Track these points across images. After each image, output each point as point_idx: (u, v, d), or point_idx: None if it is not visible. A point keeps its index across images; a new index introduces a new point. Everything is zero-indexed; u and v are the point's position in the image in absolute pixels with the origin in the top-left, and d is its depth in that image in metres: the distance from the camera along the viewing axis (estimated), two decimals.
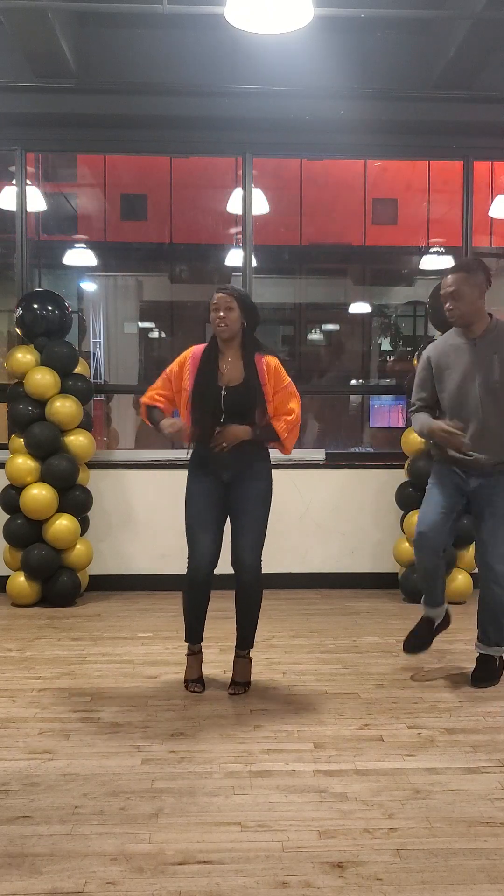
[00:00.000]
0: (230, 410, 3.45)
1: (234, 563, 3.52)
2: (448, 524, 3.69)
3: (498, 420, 3.58)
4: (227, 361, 3.51)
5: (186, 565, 3.56)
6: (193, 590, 3.56)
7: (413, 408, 3.83)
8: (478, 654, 3.79)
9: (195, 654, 3.68)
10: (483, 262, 3.68)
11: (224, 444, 3.42)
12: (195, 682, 3.62)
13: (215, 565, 3.53)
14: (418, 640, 3.83)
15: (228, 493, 3.52)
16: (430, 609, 3.83)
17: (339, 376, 14.58)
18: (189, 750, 3.01)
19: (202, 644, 3.69)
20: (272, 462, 3.64)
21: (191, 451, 3.56)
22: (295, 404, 3.55)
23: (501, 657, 3.79)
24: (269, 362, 3.53)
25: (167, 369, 3.61)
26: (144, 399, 3.62)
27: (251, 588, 3.54)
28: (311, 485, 5.63)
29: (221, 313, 3.46)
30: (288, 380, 3.55)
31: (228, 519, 3.56)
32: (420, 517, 3.74)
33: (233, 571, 3.54)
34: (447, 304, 3.58)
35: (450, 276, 3.59)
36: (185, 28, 5.42)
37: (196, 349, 3.58)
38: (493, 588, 3.64)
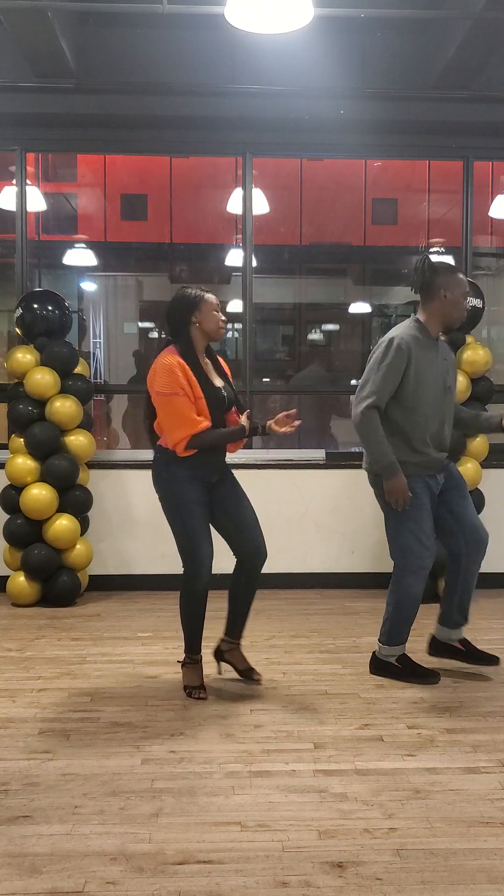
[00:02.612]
0: (224, 411, 3.58)
1: (249, 555, 3.58)
2: None
3: (451, 418, 3.79)
4: (206, 364, 3.57)
5: (186, 575, 3.49)
6: (198, 599, 3.53)
7: (370, 402, 3.57)
8: (460, 639, 3.90)
9: (197, 662, 3.67)
10: None
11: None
12: (199, 688, 3.59)
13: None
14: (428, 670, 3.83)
15: (213, 495, 3.58)
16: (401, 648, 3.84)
17: (339, 376, 14.57)
18: (189, 750, 3.01)
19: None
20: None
21: (168, 456, 3.44)
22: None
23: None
24: (223, 362, 3.67)
25: (178, 388, 3.35)
26: (194, 430, 3.38)
27: (260, 576, 3.65)
28: (311, 485, 5.62)
29: (224, 316, 3.52)
30: None
31: (219, 518, 3.61)
32: (422, 543, 3.66)
33: (232, 572, 3.61)
34: (469, 304, 3.70)
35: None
36: (185, 28, 5.42)
37: (178, 356, 3.42)
38: (480, 556, 3.78)
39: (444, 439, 3.73)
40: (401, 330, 3.65)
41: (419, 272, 3.67)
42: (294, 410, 3.55)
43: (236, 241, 6.84)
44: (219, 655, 3.81)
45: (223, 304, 3.75)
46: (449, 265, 3.76)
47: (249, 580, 3.63)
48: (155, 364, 3.43)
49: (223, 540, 3.62)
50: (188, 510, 3.47)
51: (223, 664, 3.83)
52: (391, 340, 3.58)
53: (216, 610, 3.66)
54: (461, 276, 3.67)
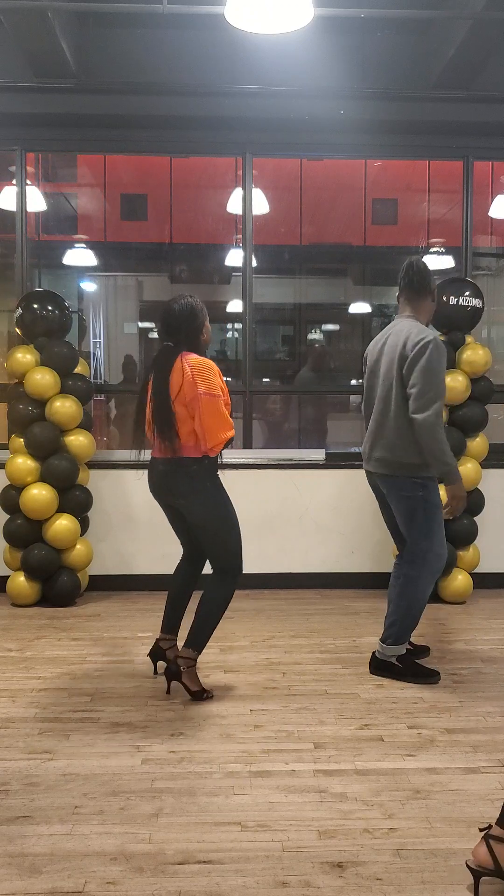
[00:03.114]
0: None
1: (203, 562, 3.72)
2: None
3: None
4: None
5: (232, 577, 3.51)
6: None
7: (437, 406, 3.54)
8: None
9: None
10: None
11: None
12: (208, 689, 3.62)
13: None
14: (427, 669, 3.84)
15: None
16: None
17: (339, 376, 14.57)
18: (189, 750, 3.01)
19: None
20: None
21: (208, 461, 3.43)
22: None
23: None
24: None
25: (219, 389, 3.39)
26: (233, 430, 3.43)
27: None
28: (311, 485, 5.62)
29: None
30: None
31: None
32: (444, 546, 3.72)
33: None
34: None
35: None
36: (185, 28, 5.42)
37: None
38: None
39: None
40: (425, 331, 3.64)
41: (416, 271, 3.69)
42: None
43: (236, 241, 6.84)
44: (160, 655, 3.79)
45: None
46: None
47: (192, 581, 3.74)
48: (191, 367, 3.35)
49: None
50: (234, 514, 3.49)
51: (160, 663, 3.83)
52: (434, 341, 3.54)
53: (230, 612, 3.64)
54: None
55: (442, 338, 3.85)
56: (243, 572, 3.53)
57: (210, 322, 3.56)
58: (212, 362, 3.43)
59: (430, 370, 3.51)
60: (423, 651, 4.05)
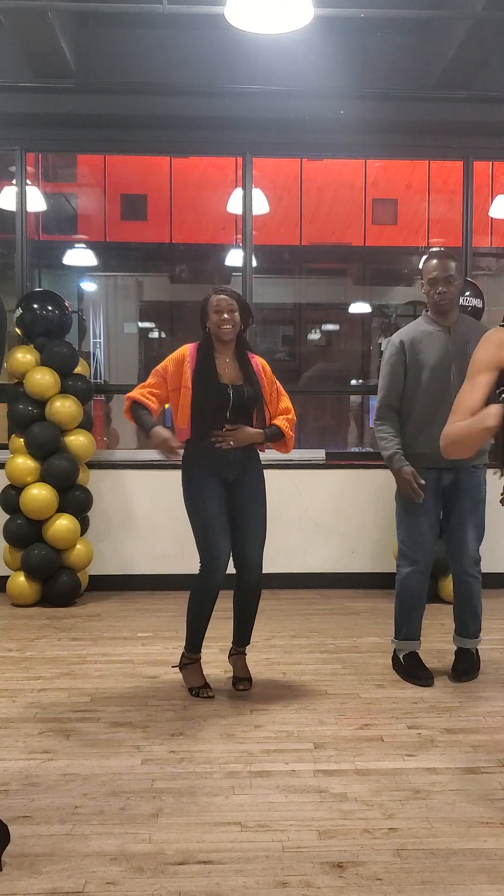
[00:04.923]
0: (236, 410, 3.48)
1: (241, 563, 3.55)
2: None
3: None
4: (225, 361, 3.54)
5: (201, 571, 3.48)
6: (209, 596, 3.51)
7: (380, 416, 3.74)
8: (456, 648, 3.87)
9: (197, 662, 3.67)
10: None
11: (231, 443, 3.45)
12: (204, 687, 3.58)
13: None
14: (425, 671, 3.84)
15: (230, 493, 3.53)
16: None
17: (340, 376, 14.57)
18: (189, 750, 3.01)
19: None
20: (267, 464, 3.70)
21: (188, 451, 3.53)
22: (289, 403, 3.64)
23: (478, 649, 3.89)
24: (263, 364, 3.63)
25: (160, 367, 3.56)
26: (133, 395, 3.53)
27: (256, 587, 3.59)
28: (311, 485, 5.62)
29: (226, 315, 3.49)
30: (277, 381, 3.65)
31: (230, 519, 3.55)
32: (416, 540, 3.75)
33: (234, 571, 3.55)
34: (440, 288, 3.62)
35: (446, 262, 3.64)
36: (185, 28, 5.42)
37: (191, 347, 3.57)
38: (468, 579, 3.75)
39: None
40: (397, 332, 3.81)
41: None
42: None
43: (236, 241, 6.84)
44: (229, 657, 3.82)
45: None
46: (431, 251, 3.77)
47: (244, 591, 3.60)
48: None
49: None
50: (204, 504, 3.46)
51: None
52: (389, 341, 3.73)
53: (216, 610, 3.65)
54: (433, 261, 3.66)
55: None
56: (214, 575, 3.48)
57: (207, 324, 3.59)
58: (184, 349, 3.57)
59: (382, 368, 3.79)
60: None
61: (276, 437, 3.58)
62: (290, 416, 3.60)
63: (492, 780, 2.77)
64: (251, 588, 3.57)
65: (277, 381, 3.64)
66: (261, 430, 3.52)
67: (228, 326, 3.48)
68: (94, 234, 13.46)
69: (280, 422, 3.56)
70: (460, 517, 3.71)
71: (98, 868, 2.25)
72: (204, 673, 3.65)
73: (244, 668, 3.71)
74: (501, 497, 3.45)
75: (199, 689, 3.57)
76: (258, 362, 3.61)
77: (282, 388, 3.64)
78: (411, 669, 3.77)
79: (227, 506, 3.51)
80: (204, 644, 3.67)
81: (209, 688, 3.58)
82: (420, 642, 3.85)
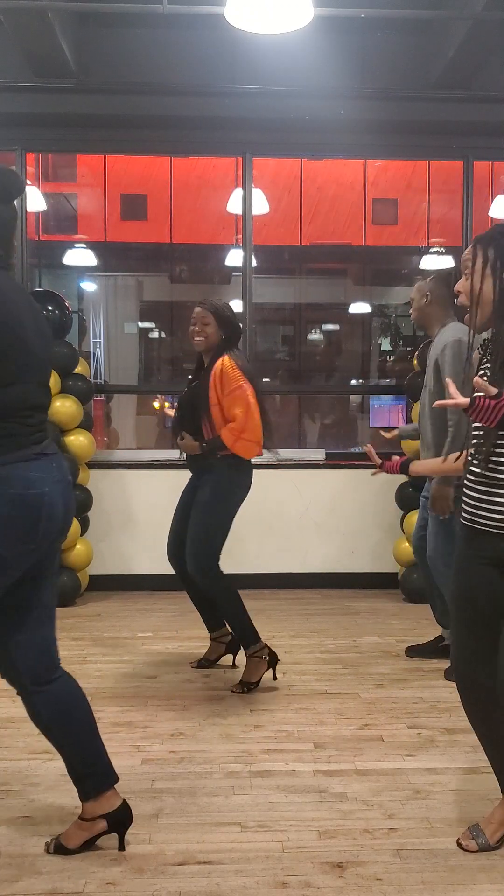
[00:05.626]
0: (184, 416, 3.72)
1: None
2: None
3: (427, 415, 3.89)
4: (204, 369, 3.71)
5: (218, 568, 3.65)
6: (184, 585, 3.88)
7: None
8: None
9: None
10: (442, 275, 3.92)
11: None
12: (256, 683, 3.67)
13: None
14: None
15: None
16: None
17: (339, 376, 14.58)
18: (189, 750, 3.01)
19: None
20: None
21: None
22: (240, 409, 3.49)
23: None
24: (217, 367, 3.56)
25: None
26: None
27: (198, 581, 3.70)
28: (310, 485, 5.62)
29: (196, 327, 3.65)
30: (236, 384, 3.50)
31: None
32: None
33: (234, 571, 3.81)
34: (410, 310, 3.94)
35: (416, 286, 3.90)
36: (185, 28, 5.41)
37: None
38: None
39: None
40: None
41: None
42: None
43: (236, 241, 6.84)
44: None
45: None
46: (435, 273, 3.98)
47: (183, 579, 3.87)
48: None
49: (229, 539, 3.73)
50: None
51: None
52: None
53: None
54: (421, 282, 3.85)
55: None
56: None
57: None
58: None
59: None
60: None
61: (218, 448, 3.55)
62: (233, 425, 3.50)
63: (492, 780, 2.76)
64: (194, 580, 3.73)
65: (237, 385, 3.50)
66: (196, 443, 3.62)
67: (199, 338, 3.64)
68: (94, 234, 13.46)
69: (223, 431, 3.53)
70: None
71: (98, 868, 2.25)
72: (204, 672, 3.67)
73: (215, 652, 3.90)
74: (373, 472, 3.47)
75: (254, 684, 3.63)
76: (216, 367, 3.55)
77: (239, 393, 3.49)
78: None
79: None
80: (198, 637, 3.72)
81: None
82: None
